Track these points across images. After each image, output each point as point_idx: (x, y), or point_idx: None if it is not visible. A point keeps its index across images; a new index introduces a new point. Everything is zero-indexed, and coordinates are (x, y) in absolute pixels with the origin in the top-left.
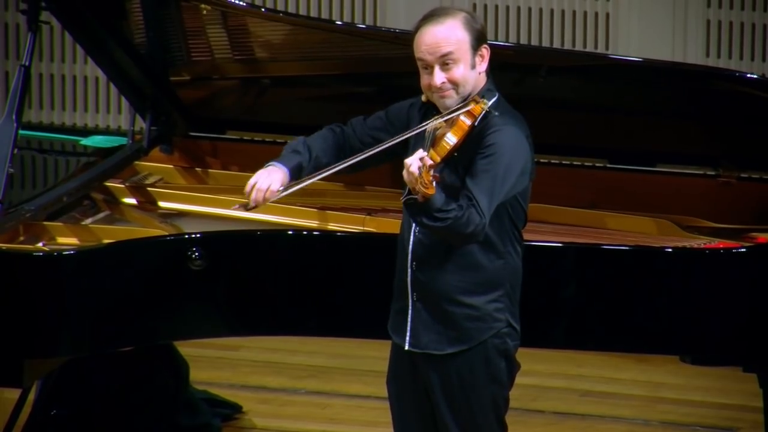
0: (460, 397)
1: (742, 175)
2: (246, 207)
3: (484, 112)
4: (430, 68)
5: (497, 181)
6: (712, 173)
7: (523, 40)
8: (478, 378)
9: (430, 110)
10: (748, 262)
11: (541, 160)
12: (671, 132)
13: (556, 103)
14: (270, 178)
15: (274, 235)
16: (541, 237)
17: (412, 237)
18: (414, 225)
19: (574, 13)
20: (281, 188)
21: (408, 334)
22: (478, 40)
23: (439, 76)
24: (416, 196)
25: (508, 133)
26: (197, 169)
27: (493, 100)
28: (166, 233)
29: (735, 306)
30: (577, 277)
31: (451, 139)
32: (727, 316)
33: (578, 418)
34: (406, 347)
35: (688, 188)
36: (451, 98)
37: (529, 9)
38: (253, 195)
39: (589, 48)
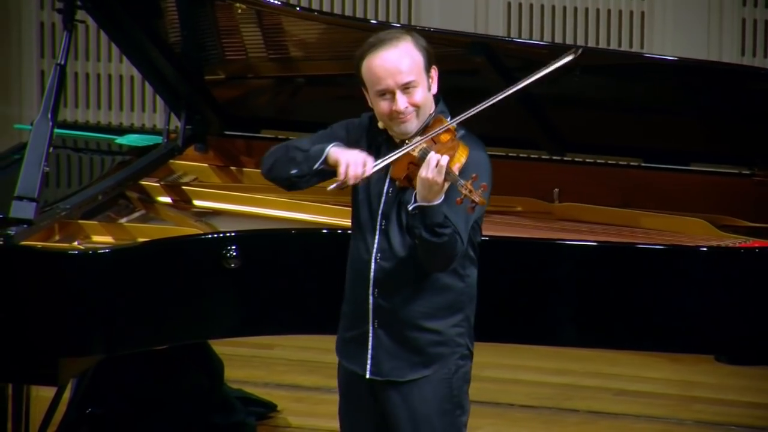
0: (424, 425)
1: None
2: (342, 187)
3: (456, 132)
4: (390, 94)
5: (465, 212)
6: (747, 172)
7: (558, 39)
8: (443, 404)
9: (383, 142)
10: None
11: (576, 159)
12: (706, 131)
13: (590, 102)
14: (360, 155)
15: (309, 233)
16: (576, 236)
17: (373, 264)
18: (375, 251)
19: (609, 12)
20: (376, 163)
21: (369, 362)
22: (429, 61)
23: (402, 101)
24: (425, 204)
25: (477, 158)
26: (232, 167)
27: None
28: (201, 232)
29: None
30: (612, 277)
31: (462, 157)
32: (762, 315)
33: (612, 417)
34: (368, 375)
35: (723, 187)
36: (412, 122)
37: (564, 8)
38: (352, 172)
39: (624, 47)
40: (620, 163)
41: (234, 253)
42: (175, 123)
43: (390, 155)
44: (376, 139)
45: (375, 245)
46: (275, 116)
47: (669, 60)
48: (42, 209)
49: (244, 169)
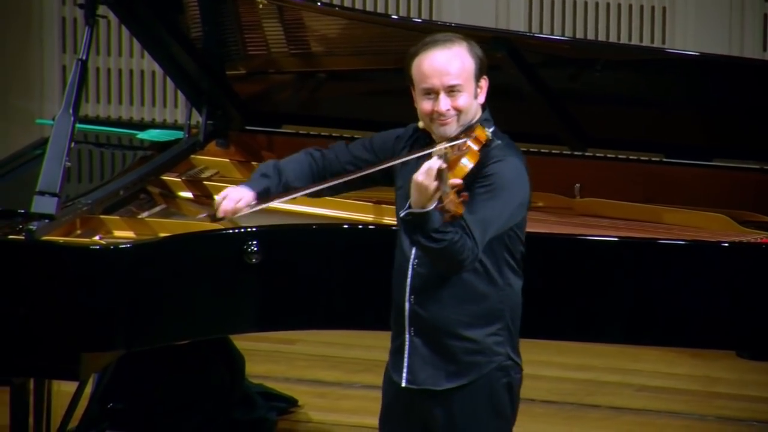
0: None
1: None
2: (214, 217)
3: (488, 140)
4: (434, 94)
5: (495, 212)
6: None
7: (579, 35)
8: (483, 413)
9: (418, 142)
10: None
11: (597, 155)
12: (728, 126)
13: (611, 97)
14: (241, 193)
15: (330, 228)
16: (597, 231)
17: (410, 270)
18: (412, 257)
19: (630, 7)
20: (252, 203)
21: (405, 370)
22: (481, 69)
23: (444, 102)
24: (417, 211)
25: (509, 164)
26: (253, 162)
27: (492, 129)
28: (222, 227)
29: None
30: (633, 272)
31: (468, 162)
32: None
33: (634, 413)
34: (403, 384)
35: (745, 182)
36: (452, 126)
37: (585, 3)
38: (223, 205)
39: (645, 42)
40: (642, 158)
41: (255, 249)
42: (197, 118)
43: (273, 197)
44: (416, 141)
45: (412, 252)
46: (297, 111)
47: (690, 55)
48: (63, 204)
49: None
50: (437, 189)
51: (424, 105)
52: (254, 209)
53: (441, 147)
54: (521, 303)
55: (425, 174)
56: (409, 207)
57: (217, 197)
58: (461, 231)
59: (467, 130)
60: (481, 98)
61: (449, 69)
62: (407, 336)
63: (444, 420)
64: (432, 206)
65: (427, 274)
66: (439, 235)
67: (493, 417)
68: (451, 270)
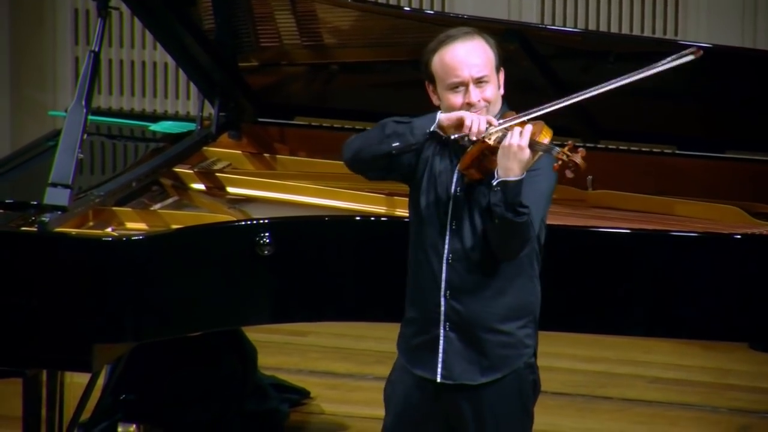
0: (492, 430)
1: None
2: (463, 139)
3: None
4: (463, 87)
5: (543, 198)
6: None
7: (592, 26)
8: (512, 410)
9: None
10: None
11: (609, 147)
12: (740, 118)
13: (624, 89)
14: (478, 115)
15: (342, 220)
16: (609, 223)
17: (444, 266)
18: (446, 252)
19: None
20: (498, 122)
21: (440, 366)
22: (499, 60)
23: (475, 93)
24: (512, 179)
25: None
26: (265, 154)
27: None
28: (235, 219)
29: None
30: (645, 264)
31: (545, 136)
32: None
33: (646, 405)
34: (438, 379)
35: (757, 175)
36: None
37: None
38: (475, 126)
39: (658, 34)
40: (654, 150)
41: (267, 240)
42: (209, 110)
43: (506, 121)
44: (441, 141)
45: (446, 247)
46: (309, 103)
47: (703, 47)
48: (76, 196)
49: (278, 156)
50: (532, 154)
51: (454, 99)
52: (501, 127)
53: (493, 130)
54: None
55: (519, 136)
56: (498, 177)
57: (465, 120)
58: None
59: (501, 117)
60: (501, 90)
61: (476, 61)
62: (441, 331)
63: (472, 415)
64: (521, 175)
65: (463, 268)
66: (523, 209)
67: (521, 414)
68: (515, 252)
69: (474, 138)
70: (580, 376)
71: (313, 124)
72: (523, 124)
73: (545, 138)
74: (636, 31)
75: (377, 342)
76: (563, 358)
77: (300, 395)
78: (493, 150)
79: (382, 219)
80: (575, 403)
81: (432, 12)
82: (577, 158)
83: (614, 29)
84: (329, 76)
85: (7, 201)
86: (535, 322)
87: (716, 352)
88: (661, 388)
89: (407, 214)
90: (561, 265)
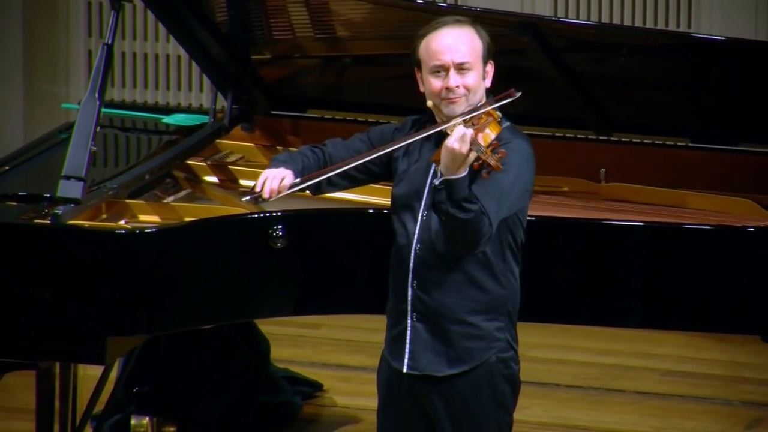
0: (466, 424)
1: None
2: (258, 199)
3: (500, 118)
4: (444, 72)
5: (504, 191)
6: None
7: (605, 19)
8: (484, 404)
9: (419, 131)
10: None
11: (623, 139)
12: (754, 111)
13: (637, 82)
14: (282, 173)
15: (355, 213)
16: (622, 216)
17: (412, 254)
18: (414, 241)
19: None
20: (296, 181)
21: (406, 356)
22: (488, 52)
23: (454, 78)
24: (452, 177)
25: (518, 147)
26: (278, 147)
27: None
28: (248, 212)
29: None
30: (658, 256)
31: (491, 133)
32: None
33: (659, 398)
34: (405, 369)
35: None
36: (461, 105)
37: None
38: (267, 186)
39: (671, 27)
40: (667, 143)
41: (280, 233)
42: (222, 102)
43: (316, 174)
44: (417, 131)
45: (415, 235)
46: (322, 96)
47: (716, 40)
48: (89, 188)
49: (291, 148)
50: (469, 152)
51: (434, 83)
52: (299, 188)
53: (456, 121)
54: (520, 293)
55: (459, 140)
56: (441, 176)
57: (258, 180)
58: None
59: (475, 109)
60: (488, 82)
61: (459, 46)
62: (409, 322)
63: (444, 408)
64: (463, 173)
65: (430, 258)
66: (468, 204)
67: (494, 407)
68: (469, 247)
69: (266, 196)
70: (593, 368)
71: (326, 116)
72: (472, 122)
73: (488, 135)
74: (649, 24)
75: None
76: (576, 350)
77: (313, 388)
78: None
79: None
80: (588, 395)
81: (445, 5)
82: (492, 160)
83: (627, 22)
84: (342, 69)
85: (20, 193)
86: (509, 315)
87: (729, 345)
88: (674, 381)
89: None
90: (574, 258)
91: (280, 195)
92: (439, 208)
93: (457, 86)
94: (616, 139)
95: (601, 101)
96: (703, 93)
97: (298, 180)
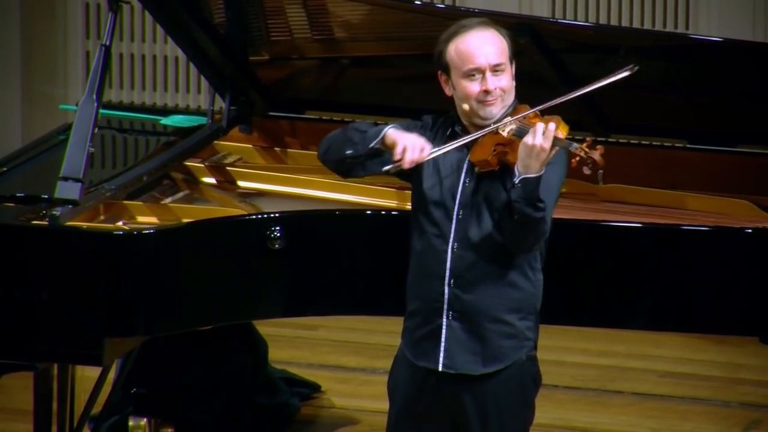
0: (495, 423)
1: None
2: (397, 169)
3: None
4: (479, 75)
5: (552, 189)
6: None
7: (603, 20)
8: (514, 403)
9: (442, 131)
10: None
11: (620, 141)
12: (751, 112)
13: (635, 83)
14: (422, 143)
15: (353, 214)
16: (621, 217)
17: (450, 254)
18: (451, 241)
19: None
20: (436, 149)
21: (442, 354)
22: (512, 51)
23: (492, 81)
24: (531, 176)
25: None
26: (276, 148)
27: None
28: (246, 213)
29: None
30: (656, 258)
31: (561, 125)
32: None
33: (657, 399)
34: (440, 368)
35: None
36: (497, 107)
37: None
38: (409, 156)
39: (669, 28)
40: (665, 144)
41: (278, 234)
42: (220, 104)
43: (458, 141)
44: (448, 129)
45: (452, 235)
46: (320, 97)
47: (714, 41)
48: (87, 190)
49: (289, 150)
50: (551, 150)
51: (470, 87)
52: (438, 153)
53: (507, 120)
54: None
55: (543, 136)
56: (519, 174)
57: (396, 147)
58: None
59: (514, 110)
60: (514, 81)
61: (492, 49)
62: (444, 320)
63: (474, 406)
64: (542, 171)
65: (470, 257)
66: (540, 203)
67: (522, 407)
68: (530, 246)
69: (407, 166)
70: (591, 370)
71: (323, 117)
72: (537, 118)
73: (562, 133)
74: (647, 25)
75: (388, 336)
76: (574, 352)
77: (310, 389)
78: (506, 143)
79: (393, 213)
80: (586, 397)
81: (443, 6)
82: (596, 155)
83: (625, 23)
84: (340, 70)
85: (18, 195)
86: (536, 315)
87: (727, 346)
88: (672, 383)
89: None
90: (572, 259)
91: (419, 163)
92: (514, 207)
93: (495, 88)
94: (613, 140)
95: (599, 102)
96: (700, 94)
97: (435, 150)
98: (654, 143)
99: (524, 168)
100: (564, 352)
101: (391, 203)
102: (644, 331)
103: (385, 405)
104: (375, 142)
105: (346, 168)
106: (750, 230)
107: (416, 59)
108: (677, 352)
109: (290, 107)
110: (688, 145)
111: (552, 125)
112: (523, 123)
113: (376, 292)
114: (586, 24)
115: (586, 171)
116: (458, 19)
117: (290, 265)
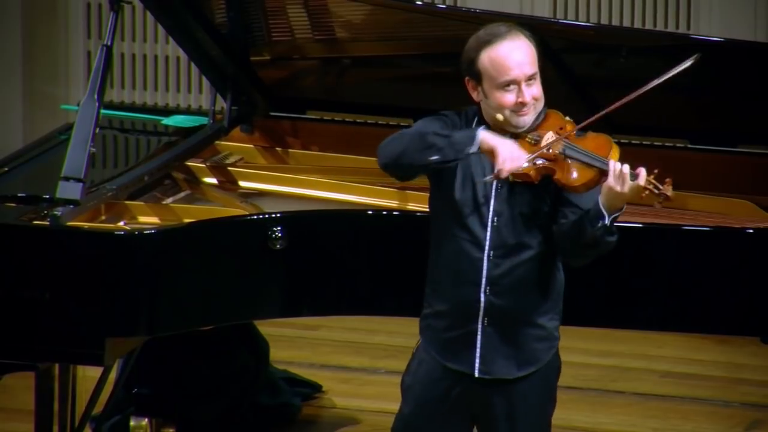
0: (523, 420)
1: None
2: (498, 178)
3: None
4: (516, 85)
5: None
6: None
7: (604, 20)
8: (542, 400)
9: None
10: None
11: (622, 141)
12: (752, 112)
13: (636, 83)
14: (516, 148)
15: (355, 214)
16: (621, 217)
17: (485, 262)
18: (487, 248)
19: None
20: (529, 156)
21: (477, 360)
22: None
23: (527, 92)
24: (617, 214)
25: None
26: (277, 148)
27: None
28: (247, 213)
29: None
30: (657, 258)
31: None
32: None
33: (658, 399)
34: (476, 374)
35: None
36: (531, 116)
37: None
38: (508, 166)
39: (670, 28)
40: (666, 144)
41: (280, 234)
42: (221, 104)
43: (541, 148)
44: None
45: (487, 242)
46: (321, 97)
47: (715, 41)
48: (88, 190)
49: (290, 150)
50: (635, 188)
51: (505, 98)
52: (531, 158)
53: (560, 138)
54: None
55: (623, 182)
56: (603, 213)
57: (497, 157)
58: None
59: (544, 117)
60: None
61: (526, 59)
62: (479, 326)
63: (505, 406)
64: (624, 207)
65: (506, 264)
66: (615, 228)
67: (548, 402)
68: (590, 259)
69: (504, 176)
70: (592, 370)
71: (325, 118)
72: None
73: (614, 155)
74: (648, 26)
75: (389, 336)
76: (575, 352)
77: (312, 389)
78: (551, 159)
79: (394, 213)
80: (587, 397)
81: (444, 6)
82: (668, 191)
83: (626, 23)
84: (341, 70)
85: (19, 195)
86: (560, 313)
87: (729, 346)
88: (673, 383)
89: (419, 208)
90: None
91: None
92: (594, 235)
93: (530, 98)
94: (615, 140)
95: (600, 102)
96: (702, 94)
97: (528, 157)
98: (655, 143)
99: (611, 207)
100: (565, 352)
101: (392, 203)
102: (645, 331)
103: (386, 405)
104: (472, 148)
105: (415, 173)
106: (751, 230)
107: (418, 59)
108: (678, 352)
109: (292, 107)
110: (690, 145)
111: (626, 167)
112: (571, 143)
113: (378, 292)
114: (587, 24)
115: (657, 206)
116: (459, 20)
117: (291, 265)
